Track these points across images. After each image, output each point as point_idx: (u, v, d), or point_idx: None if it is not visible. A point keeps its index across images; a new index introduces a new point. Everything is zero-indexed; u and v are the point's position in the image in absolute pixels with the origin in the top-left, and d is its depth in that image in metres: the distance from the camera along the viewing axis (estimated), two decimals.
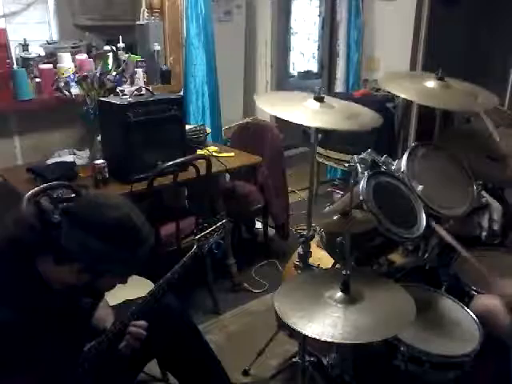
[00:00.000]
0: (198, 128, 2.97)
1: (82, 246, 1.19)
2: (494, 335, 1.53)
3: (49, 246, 1.20)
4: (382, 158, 1.82)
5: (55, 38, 3.56)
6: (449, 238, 1.66)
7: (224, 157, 2.80)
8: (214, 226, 1.51)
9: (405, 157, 1.81)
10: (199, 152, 2.78)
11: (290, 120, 1.51)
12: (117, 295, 1.61)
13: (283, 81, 5.74)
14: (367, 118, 1.71)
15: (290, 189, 3.57)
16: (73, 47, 3.01)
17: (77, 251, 1.19)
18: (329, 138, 3.68)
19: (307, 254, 1.75)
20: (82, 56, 2.83)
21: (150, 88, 2.61)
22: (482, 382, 1.69)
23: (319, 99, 1.62)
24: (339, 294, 1.39)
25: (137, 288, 1.47)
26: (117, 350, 1.41)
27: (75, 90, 2.66)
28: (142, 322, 1.44)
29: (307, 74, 6.27)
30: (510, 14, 4.15)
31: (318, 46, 6.15)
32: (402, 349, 1.51)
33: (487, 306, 1.60)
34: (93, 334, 1.41)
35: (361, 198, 1.59)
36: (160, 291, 1.43)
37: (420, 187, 1.72)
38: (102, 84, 2.56)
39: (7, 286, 1.21)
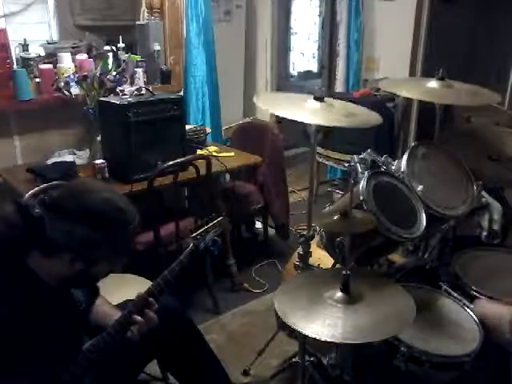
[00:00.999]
0: (198, 128, 2.97)
1: (68, 236, 1.18)
2: (494, 341, 1.53)
3: (35, 241, 1.19)
4: (382, 158, 1.82)
5: (55, 38, 3.57)
6: None
7: (224, 157, 2.80)
8: (211, 224, 1.51)
9: (405, 157, 1.81)
10: (199, 152, 2.79)
11: (290, 118, 1.51)
12: (117, 295, 1.62)
13: (283, 81, 5.74)
14: (366, 116, 1.71)
15: (290, 189, 3.57)
16: (73, 47, 3.02)
17: (64, 241, 1.18)
18: (329, 137, 3.67)
19: (307, 254, 1.75)
20: (82, 56, 2.83)
21: (150, 88, 2.61)
22: (482, 382, 1.69)
23: (319, 99, 1.62)
24: (339, 294, 1.39)
25: (137, 288, 1.47)
26: (118, 348, 1.40)
27: (75, 90, 2.67)
28: (155, 305, 1.42)
29: (307, 74, 6.28)
30: (510, 14, 4.15)
31: (318, 46, 6.15)
32: (401, 349, 1.51)
33: (487, 312, 1.60)
34: (92, 331, 1.41)
35: (361, 198, 1.59)
36: (157, 289, 1.43)
37: (420, 187, 1.72)
38: (102, 84, 2.57)
39: (2, 287, 1.20)
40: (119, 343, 1.38)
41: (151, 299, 1.40)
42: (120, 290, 1.77)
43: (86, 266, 1.25)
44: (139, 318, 1.38)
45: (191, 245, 1.47)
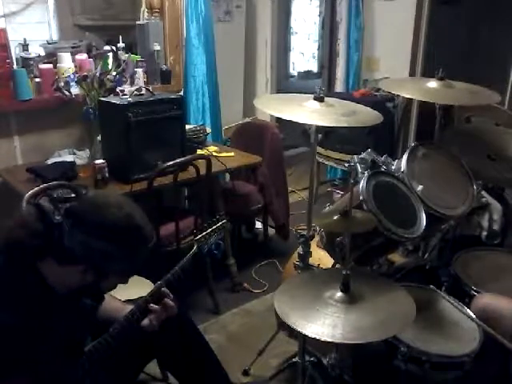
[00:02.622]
0: (198, 128, 2.97)
1: (85, 248, 1.19)
2: (493, 339, 1.53)
3: (52, 248, 1.20)
4: (382, 158, 1.82)
5: (55, 38, 3.57)
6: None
7: (224, 157, 2.80)
8: (214, 227, 1.51)
9: (405, 157, 1.81)
10: (199, 152, 2.78)
11: (290, 119, 1.51)
12: (118, 295, 1.62)
13: (283, 81, 5.75)
14: (367, 115, 1.71)
15: (290, 189, 3.57)
16: (73, 47, 3.01)
17: (81, 253, 1.19)
18: (329, 137, 3.68)
19: (307, 253, 1.75)
20: (82, 56, 2.83)
21: (150, 88, 2.61)
22: (482, 382, 1.69)
23: (319, 99, 1.62)
24: (339, 294, 1.39)
25: (137, 288, 1.47)
26: (120, 346, 1.41)
27: (75, 90, 2.66)
28: (171, 296, 1.43)
29: (307, 74, 6.28)
30: (510, 14, 4.15)
31: (318, 46, 6.16)
32: (401, 349, 1.51)
33: (487, 306, 1.60)
34: (97, 332, 1.41)
35: (361, 197, 1.59)
36: (159, 291, 1.43)
37: (420, 187, 1.72)
38: (102, 84, 2.56)
39: (10, 290, 1.21)
40: (124, 340, 1.39)
41: (165, 289, 1.41)
42: (120, 290, 1.76)
43: (98, 278, 1.26)
44: (156, 306, 1.39)
45: (195, 247, 1.47)
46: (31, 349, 1.20)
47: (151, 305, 1.39)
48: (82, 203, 1.27)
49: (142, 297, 1.46)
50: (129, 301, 1.58)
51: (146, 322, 1.40)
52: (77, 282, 1.25)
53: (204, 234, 1.49)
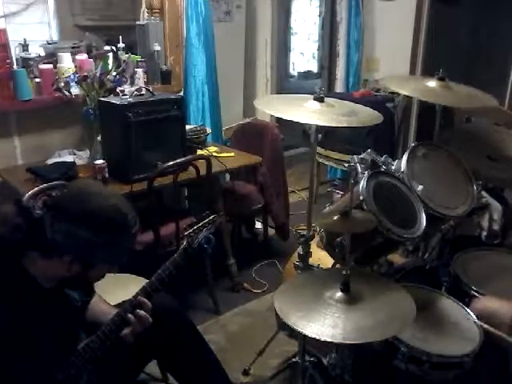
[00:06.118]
0: (198, 128, 2.97)
1: (70, 238, 1.18)
2: (492, 341, 1.53)
3: (35, 242, 1.20)
4: (382, 158, 1.82)
5: (55, 38, 3.57)
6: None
7: (224, 157, 2.80)
8: (204, 222, 1.51)
9: (405, 157, 1.81)
10: (199, 152, 2.79)
11: (290, 119, 1.51)
12: (116, 295, 1.62)
13: (283, 81, 5.75)
14: (367, 115, 1.71)
15: (290, 189, 3.57)
16: (73, 47, 3.01)
17: (66, 243, 1.19)
18: (329, 138, 3.69)
19: (307, 253, 1.75)
20: (82, 56, 2.83)
21: (150, 88, 2.61)
22: (482, 382, 1.69)
23: (319, 99, 1.62)
24: (339, 294, 1.39)
25: (136, 288, 1.47)
26: (116, 346, 1.40)
27: (75, 90, 2.66)
28: (149, 305, 1.40)
29: (307, 74, 6.29)
30: (510, 14, 4.15)
31: (318, 46, 6.16)
32: (402, 349, 1.51)
33: (485, 309, 1.60)
34: (89, 331, 1.41)
35: (361, 197, 1.59)
36: (152, 288, 1.42)
37: (420, 187, 1.72)
38: (102, 84, 2.56)
39: None
40: (115, 343, 1.38)
41: (144, 299, 1.39)
42: (119, 290, 1.77)
43: (85, 268, 1.26)
44: (132, 318, 1.36)
45: (185, 243, 1.47)
46: (22, 346, 1.20)
47: (129, 315, 1.36)
48: (63, 194, 1.26)
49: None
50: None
51: (123, 333, 1.36)
52: (63, 274, 1.24)
53: (193, 228, 1.49)
